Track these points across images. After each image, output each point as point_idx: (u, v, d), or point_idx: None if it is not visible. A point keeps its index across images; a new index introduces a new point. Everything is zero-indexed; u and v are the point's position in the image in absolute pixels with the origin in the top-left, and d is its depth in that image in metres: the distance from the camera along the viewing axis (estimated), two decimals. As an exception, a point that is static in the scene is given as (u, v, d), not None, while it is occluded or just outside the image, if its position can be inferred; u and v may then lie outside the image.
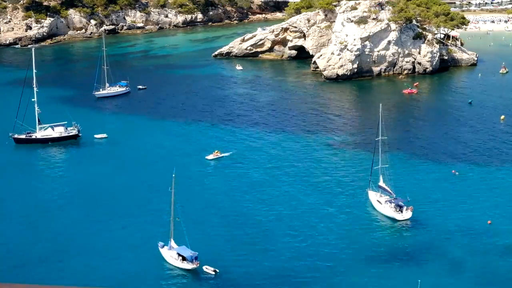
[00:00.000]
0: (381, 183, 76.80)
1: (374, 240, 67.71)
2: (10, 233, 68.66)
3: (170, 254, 63.41)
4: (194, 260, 61.73)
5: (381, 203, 74.49)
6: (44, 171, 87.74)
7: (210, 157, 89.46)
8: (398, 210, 72.67)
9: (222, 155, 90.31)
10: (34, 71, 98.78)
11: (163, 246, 64.09)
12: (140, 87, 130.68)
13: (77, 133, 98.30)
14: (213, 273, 61.14)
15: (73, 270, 61.32)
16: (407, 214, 72.15)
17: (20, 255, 63.93)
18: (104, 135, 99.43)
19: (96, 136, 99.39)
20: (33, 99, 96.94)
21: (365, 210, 75.18)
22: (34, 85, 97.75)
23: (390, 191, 75.06)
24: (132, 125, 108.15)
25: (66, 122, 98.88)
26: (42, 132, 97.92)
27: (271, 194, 78.68)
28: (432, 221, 71.88)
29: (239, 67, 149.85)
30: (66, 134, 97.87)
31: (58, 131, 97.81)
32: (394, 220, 72.12)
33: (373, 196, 76.10)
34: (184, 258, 62.27)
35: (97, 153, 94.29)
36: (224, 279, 60.72)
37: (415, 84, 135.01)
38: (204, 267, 61.73)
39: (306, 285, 59.54)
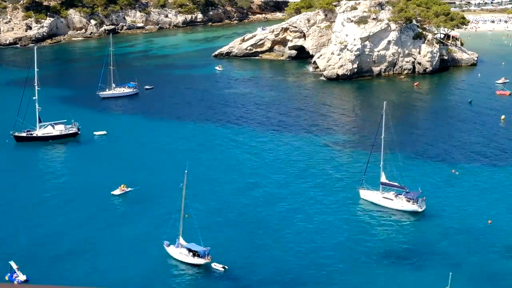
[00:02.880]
0: (384, 180, 77.06)
1: (374, 239, 67.69)
2: (11, 232, 68.59)
3: (180, 251, 63.66)
4: (206, 255, 62.48)
5: (392, 199, 74.97)
6: (44, 169, 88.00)
7: (116, 192, 77.52)
8: (414, 202, 73.58)
9: (129, 189, 77.84)
10: (36, 70, 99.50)
11: (169, 245, 64.27)
12: (147, 87, 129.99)
13: (76, 131, 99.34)
14: (222, 269, 61.78)
15: (76, 269, 61.23)
16: (423, 205, 73.68)
17: (22, 255, 63.84)
18: (103, 132, 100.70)
19: (95, 133, 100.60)
20: (34, 98, 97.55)
21: (361, 209, 75.37)
22: (36, 84, 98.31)
23: (400, 185, 75.59)
24: (132, 123, 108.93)
25: (65, 120, 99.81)
26: (42, 130, 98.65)
27: (270, 193, 78.77)
28: (432, 220, 71.94)
29: (219, 68, 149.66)
30: (66, 132, 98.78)
31: (58, 129, 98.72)
32: (412, 213, 73.10)
33: (371, 194, 76.35)
34: (195, 254, 62.80)
35: (96, 150, 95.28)
36: (234, 276, 61.18)
37: (415, 84, 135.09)
38: (212, 264, 62.29)
39: (313, 282, 59.61)
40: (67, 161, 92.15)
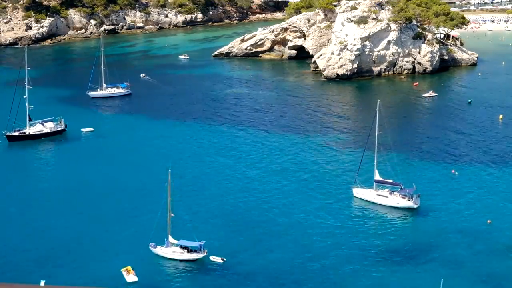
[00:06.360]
0: (378, 177, 77.08)
1: (372, 238, 67.61)
2: (5, 232, 68.48)
3: (172, 250, 63.45)
4: (202, 249, 62.67)
5: (387, 196, 75.00)
6: (37, 168, 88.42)
7: (125, 273, 59.85)
8: (409, 198, 73.80)
9: (134, 273, 60.00)
10: (27, 69, 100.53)
11: (155, 246, 63.80)
12: (145, 77, 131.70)
13: (64, 128, 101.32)
14: (221, 261, 62.08)
15: (67, 270, 61.08)
16: (418, 201, 73.81)
17: (17, 255, 63.79)
18: (91, 129, 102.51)
19: (82, 130, 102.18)
20: (24, 96, 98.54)
21: (354, 207, 75.41)
22: (26, 83, 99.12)
23: (395, 182, 75.64)
24: (122, 122, 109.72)
25: (53, 118, 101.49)
26: (33, 128, 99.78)
27: (265, 190, 78.87)
28: (432, 220, 71.83)
29: (184, 57, 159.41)
30: (56, 129, 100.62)
31: (48, 127, 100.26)
32: (407, 210, 73.28)
33: (365, 192, 76.35)
34: (190, 250, 62.90)
35: (84, 146, 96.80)
36: (233, 267, 61.63)
37: (415, 84, 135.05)
38: (210, 257, 62.57)
39: (307, 278, 59.61)
40: (58, 160, 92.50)
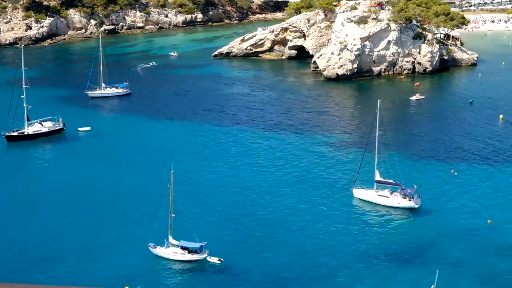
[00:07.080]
0: (379, 178, 76.97)
1: (371, 239, 67.57)
2: (4, 232, 68.45)
3: (172, 250, 63.41)
4: (203, 250, 62.71)
5: (388, 196, 74.93)
6: (36, 168, 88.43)
7: None
8: (410, 199, 73.91)
9: None
10: (24, 68, 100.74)
11: (155, 247, 63.73)
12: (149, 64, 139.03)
13: (62, 127, 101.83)
14: (218, 262, 62.03)
15: (67, 270, 60.99)
16: (419, 201, 73.88)
17: (17, 255, 63.76)
18: (88, 128, 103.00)
19: (80, 129, 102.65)
20: (22, 96, 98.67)
21: (355, 207, 75.26)
22: (23, 83, 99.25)
23: (395, 182, 75.59)
24: (120, 121, 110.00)
25: (51, 117, 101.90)
26: (32, 128, 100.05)
27: (264, 191, 78.72)
28: (431, 220, 71.79)
29: (174, 54, 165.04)
30: (54, 129, 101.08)
31: (47, 126, 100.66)
32: (408, 210, 73.28)
33: (365, 193, 76.23)
34: (190, 251, 62.90)
35: (83, 146, 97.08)
36: (230, 267, 61.57)
37: (415, 84, 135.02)
38: (208, 258, 62.52)
39: (308, 279, 59.57)
40: (57, 160, 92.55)
